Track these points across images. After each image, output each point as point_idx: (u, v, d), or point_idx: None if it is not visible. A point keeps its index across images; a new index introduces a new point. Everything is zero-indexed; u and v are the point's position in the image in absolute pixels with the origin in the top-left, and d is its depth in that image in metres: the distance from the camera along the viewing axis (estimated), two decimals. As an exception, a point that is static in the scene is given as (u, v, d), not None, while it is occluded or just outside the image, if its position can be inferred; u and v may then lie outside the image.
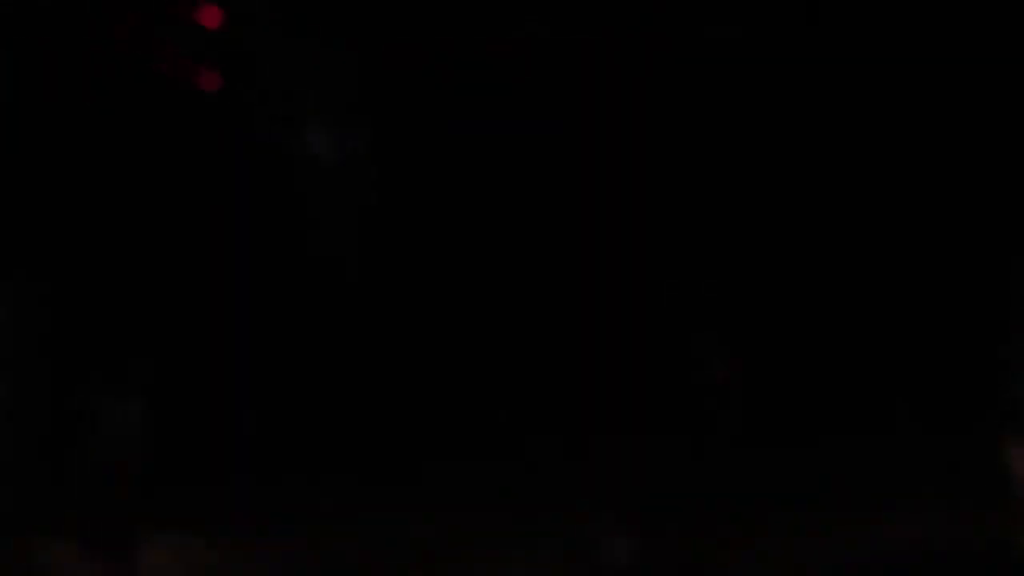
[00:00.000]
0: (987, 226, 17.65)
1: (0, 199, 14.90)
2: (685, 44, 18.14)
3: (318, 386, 16.27)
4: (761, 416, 16.61)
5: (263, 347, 16.36)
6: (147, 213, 16.00)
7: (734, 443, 16.15)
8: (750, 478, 15.65)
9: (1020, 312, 15.88)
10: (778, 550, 14.02)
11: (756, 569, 13.90)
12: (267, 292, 17.36)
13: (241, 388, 15.49)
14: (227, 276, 16.60)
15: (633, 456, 16.27)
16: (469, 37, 17.04)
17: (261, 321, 16.79)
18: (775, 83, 18.41)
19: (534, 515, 15.39)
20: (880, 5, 19.13)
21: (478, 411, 16.18)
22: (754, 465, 16.12)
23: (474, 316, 16.45)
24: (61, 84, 14.94)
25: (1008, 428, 15.10)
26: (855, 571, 13.76)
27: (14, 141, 15.33)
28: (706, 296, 17.53)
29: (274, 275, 17.51)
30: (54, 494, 13.97)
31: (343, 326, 17.53)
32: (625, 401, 16.51)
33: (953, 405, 16.52)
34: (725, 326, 17.80)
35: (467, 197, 16.91)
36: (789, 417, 17.00)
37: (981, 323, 16.23)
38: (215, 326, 16.00)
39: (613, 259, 16.94)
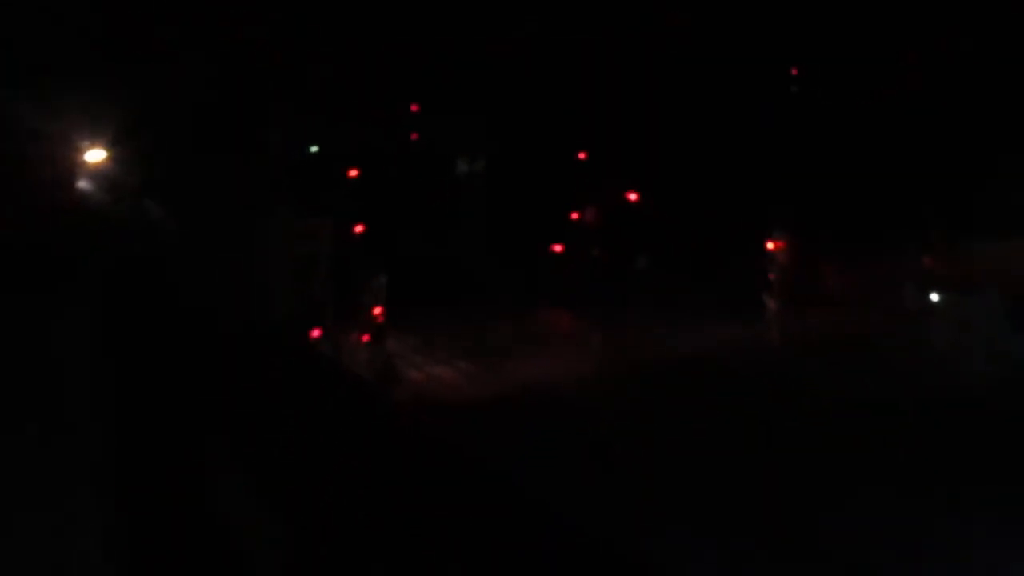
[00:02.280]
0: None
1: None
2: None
3: (454, 275, 20.21)
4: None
5: (438, 264, 20.20)
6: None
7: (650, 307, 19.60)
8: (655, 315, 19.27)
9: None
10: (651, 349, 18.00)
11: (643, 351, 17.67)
12: (437, 232, 21.23)
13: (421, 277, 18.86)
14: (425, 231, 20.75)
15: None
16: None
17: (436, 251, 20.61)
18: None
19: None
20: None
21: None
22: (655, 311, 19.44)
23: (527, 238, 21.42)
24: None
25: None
26: (696, 352, 17.52)
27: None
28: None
29: (441, 222, 21.40)
30: (350, 321, 17.89)
31: (470, 243, 21.47)
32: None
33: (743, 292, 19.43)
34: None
35: (522, 191, 21.42)
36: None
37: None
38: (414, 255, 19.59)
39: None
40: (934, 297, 18.87)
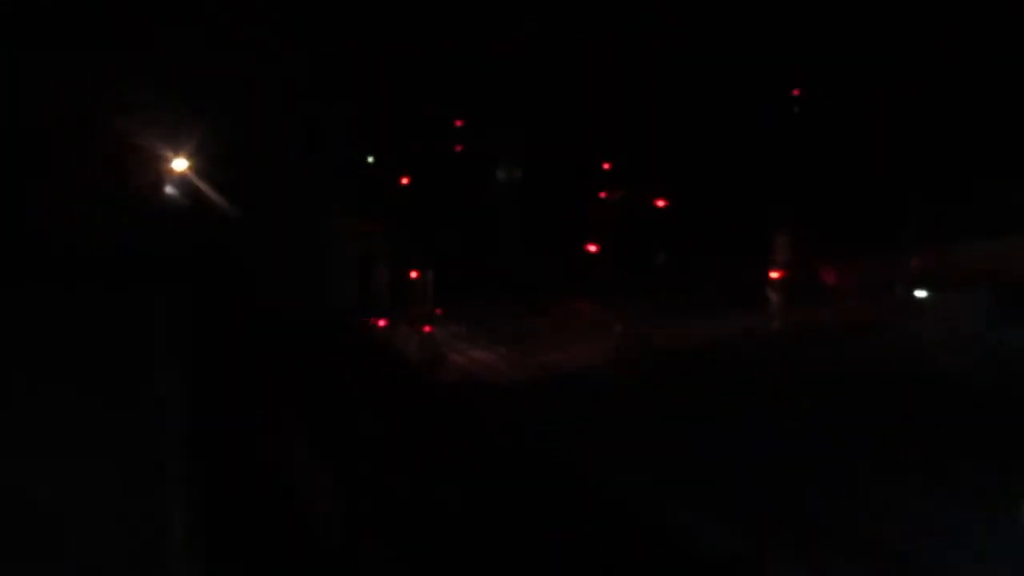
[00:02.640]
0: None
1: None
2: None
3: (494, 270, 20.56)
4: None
5: (479, 261, 20.64)
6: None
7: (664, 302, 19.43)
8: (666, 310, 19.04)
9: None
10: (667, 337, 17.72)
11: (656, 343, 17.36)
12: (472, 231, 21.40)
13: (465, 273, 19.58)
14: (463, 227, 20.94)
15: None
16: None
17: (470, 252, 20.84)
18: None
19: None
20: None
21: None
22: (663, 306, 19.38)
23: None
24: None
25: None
26: (706, 339, 17.55)
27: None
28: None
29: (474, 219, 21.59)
30: (402, 311, 18.11)
31: (509, 243, 21.46)
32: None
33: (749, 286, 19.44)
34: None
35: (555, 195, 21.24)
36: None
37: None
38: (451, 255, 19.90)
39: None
40: (923, 293, 18.62)
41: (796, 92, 22.32)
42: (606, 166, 21.74)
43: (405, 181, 19.61)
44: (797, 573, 9.38)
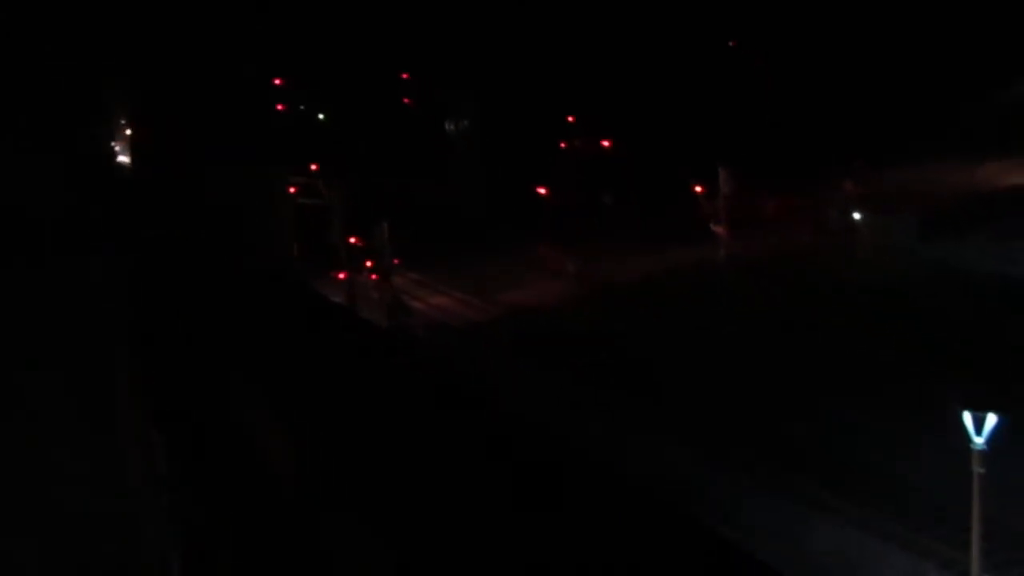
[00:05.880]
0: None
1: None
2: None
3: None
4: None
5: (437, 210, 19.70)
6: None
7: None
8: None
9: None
10: (620, 272, 17.37)
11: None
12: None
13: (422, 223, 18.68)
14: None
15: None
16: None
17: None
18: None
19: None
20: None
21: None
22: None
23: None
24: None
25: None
26: (655, 272, 17.30)
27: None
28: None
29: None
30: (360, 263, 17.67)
31: (466, 191, 20.80)
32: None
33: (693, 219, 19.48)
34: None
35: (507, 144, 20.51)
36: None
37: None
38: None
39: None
40: (858, 215, 18.27)
41: (732, 42, 22.34)
42: (570, 119, 21.34)
43: (356, 135, 18.97)
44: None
